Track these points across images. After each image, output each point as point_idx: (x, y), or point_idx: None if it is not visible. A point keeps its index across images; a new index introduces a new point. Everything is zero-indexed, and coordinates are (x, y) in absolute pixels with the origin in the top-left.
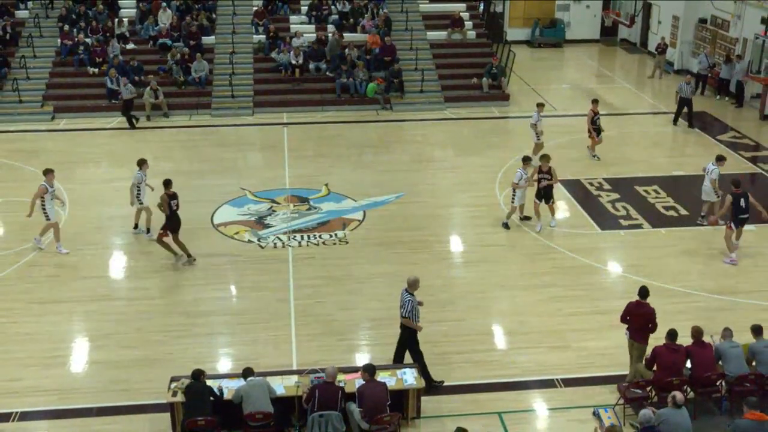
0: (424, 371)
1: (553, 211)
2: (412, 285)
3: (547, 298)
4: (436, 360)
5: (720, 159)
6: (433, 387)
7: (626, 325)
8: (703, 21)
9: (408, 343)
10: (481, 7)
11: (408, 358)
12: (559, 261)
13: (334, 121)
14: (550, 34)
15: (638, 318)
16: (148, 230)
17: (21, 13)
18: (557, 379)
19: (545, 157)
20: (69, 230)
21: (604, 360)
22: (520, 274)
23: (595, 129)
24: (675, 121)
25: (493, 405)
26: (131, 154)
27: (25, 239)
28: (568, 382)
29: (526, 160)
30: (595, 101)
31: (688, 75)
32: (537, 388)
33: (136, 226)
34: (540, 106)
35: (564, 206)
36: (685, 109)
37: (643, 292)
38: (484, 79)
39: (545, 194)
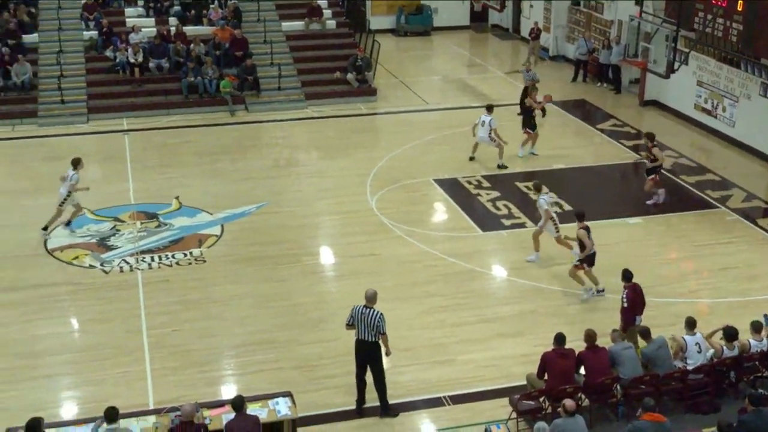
0: (384, 395)
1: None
2: (372, 299)
3: (429, 309)
4: (311, 386)
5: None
6: (389, 414)
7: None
8: (576, 3)
9: (379, 363)
10: None
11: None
12: (440, 268)
13: (182, 125)
14: (416, 22)
15: (642, 298)
16: (45, 227)
17: None
18: (444, 397)
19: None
20: None
21: (493, 372)
22: (397, 284)
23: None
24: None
25: (378, 430)
26: None
27: None
28: (457, 399)
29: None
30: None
31: (527, 62)
32: (424, 408)
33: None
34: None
35: (441, 208)
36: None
37: (629, 275)
38: (349, 73)
39: (534, 125)
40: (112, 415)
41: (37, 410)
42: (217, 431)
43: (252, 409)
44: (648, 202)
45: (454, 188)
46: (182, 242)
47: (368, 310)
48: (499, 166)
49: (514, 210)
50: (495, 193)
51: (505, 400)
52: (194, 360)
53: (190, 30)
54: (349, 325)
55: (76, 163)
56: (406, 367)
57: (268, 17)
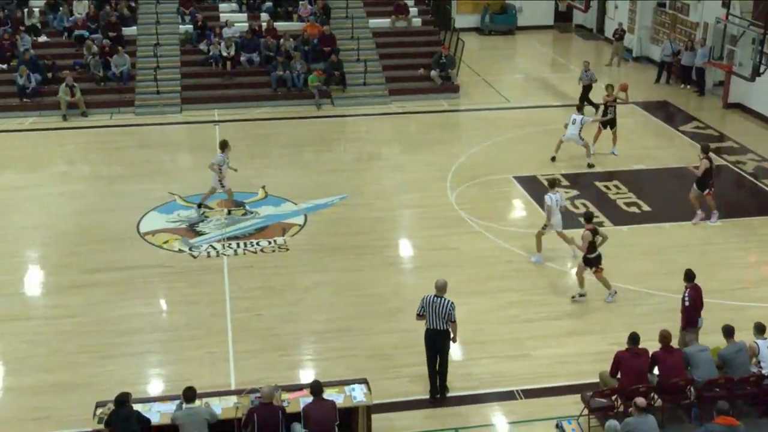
0: (445, 380)
1: (615, 139)
2: (443, 288)
3: (504, 303)
4: (387, 374)
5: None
6: (441, 397)
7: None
8: (661, 5)
9: (448, 350)
10: None
11: None
12: (516, 264)
13: (270, 117)
14: (501, 21)
15: (701, 299)
16: (229, 212)
17: None
18: (517, 391)
19: (610, 86)
20: None
21: (565, 368)
22: (474, 278)
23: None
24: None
25: (450, 421)
26: (46, 157)
27: None
28: (529, 394)
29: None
30: (609, 86)
31: (585, 61)
32: (496, 401)
33: (199, 206)
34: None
35: (520, 205)
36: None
37: (692, 275)
38: (433, 71)
39: (610, 122)
40: (189, 395)
41: (126, 385)
42: (295, 414)
43: (329, 393)
44: (712, 217)
45: (533, 186)
46: (267, 230)
47: (439, 299)
48: (589, 165)
49: (593, 209)
50: (574, 192)
51: (577, 397)
52: (275, 344)
53: (280, 25)
54: (420, 316)
55: (224, 146)
56: (480, 359)
57: (355, 14)
